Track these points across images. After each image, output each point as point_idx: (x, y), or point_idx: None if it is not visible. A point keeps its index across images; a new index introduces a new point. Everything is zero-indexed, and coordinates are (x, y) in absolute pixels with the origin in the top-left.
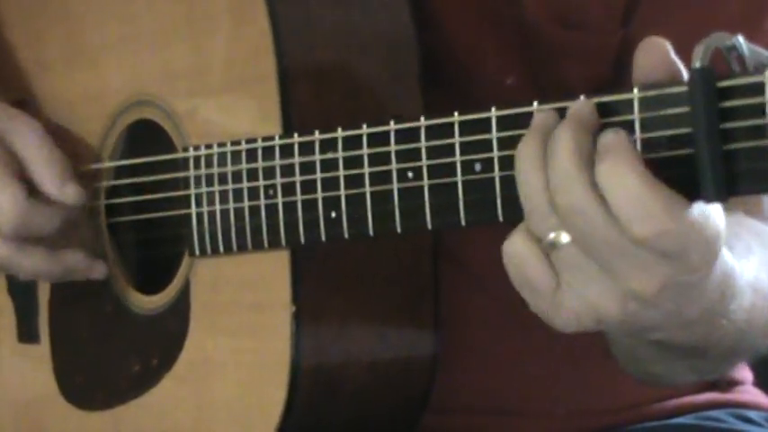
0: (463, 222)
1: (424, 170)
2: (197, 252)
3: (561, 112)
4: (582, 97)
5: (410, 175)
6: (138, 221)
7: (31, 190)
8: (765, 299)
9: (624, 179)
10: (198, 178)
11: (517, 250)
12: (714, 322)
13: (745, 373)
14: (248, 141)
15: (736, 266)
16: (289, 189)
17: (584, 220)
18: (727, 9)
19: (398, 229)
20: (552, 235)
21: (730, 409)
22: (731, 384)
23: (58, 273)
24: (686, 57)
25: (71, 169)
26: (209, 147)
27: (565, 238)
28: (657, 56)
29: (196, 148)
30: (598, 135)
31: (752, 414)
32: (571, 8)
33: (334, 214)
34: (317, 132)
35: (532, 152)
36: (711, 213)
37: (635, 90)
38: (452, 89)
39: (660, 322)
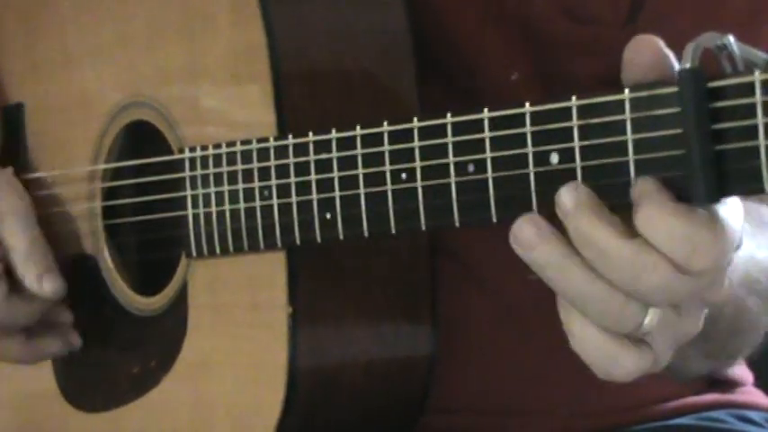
0: (457, 223)
1: (418, 171)
2: (194, 253)
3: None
4: (574, 98)
5: (404, 176)
6: (135, 223)
7: (12, 276)
8: (758, 267)
9: (660, 223)
10: (193, 179)
11: (600, 351)
12: None
13: (745, 373)
14: (243, 143)
15: None
16: (284, 190)
17: (671, 288)
18: (734, 3)
19: (393, 230)
20: (641, 321)
21: (731, 409)
22: (732, 385)
23: (33, 359)
24: None
25: (51, 259)
26: (204, 148)
27: (649, 318)
28: (649, 54)
29: (191, 149)
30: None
31: (752, 415)
32: (578, 2)
33: (328, 215)
34: (311, 133)
35: (560, 255)
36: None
37: (626, 91)
38: (456, 86)
39: None
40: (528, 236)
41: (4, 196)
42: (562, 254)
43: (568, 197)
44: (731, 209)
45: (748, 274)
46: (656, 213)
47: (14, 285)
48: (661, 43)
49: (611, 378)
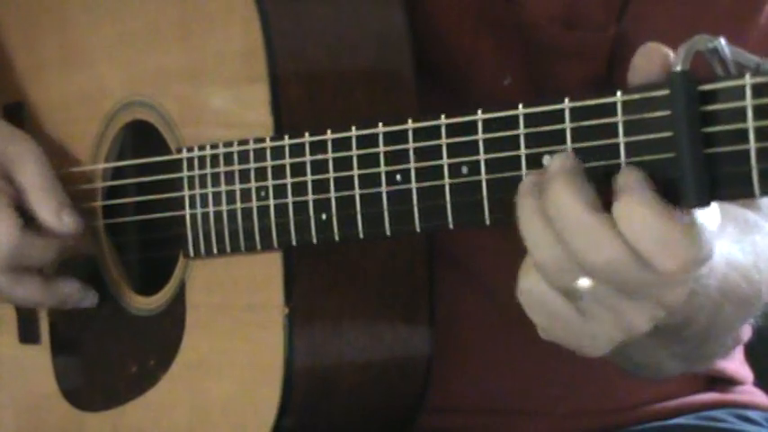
0: (451, 225)
1: (412, 173)
2: (191, 254)
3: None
4: (566, 100)
5: (398, 177)
6: (134, 222)
7: (28, 218)
8: (739, 273)
9: (638, 217)
10: (191, 179)
11: (539, 297)
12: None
13: (745, 373)
14: (240, 143)
15: None
16: (280, 191)
17: (620, 271)
18: (719, 3)
19: (387, 232)
20: (574, 284)
21: (731, 408)
22: (732, 384)
23: (52, 302)
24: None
25: (68, 198)
26: (201, 148)
27: (585, 282)
28: (658, 62)
29: (189, 149)
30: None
31: (752, 414)
32: (571, 8)
33: (324, 216)
34: (307, 134)
35: (531, 208)
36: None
37: (618, 93)
38: (449, 90)
39: None
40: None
41: (16, 140)
42: (529, 208)
43: (555, 161)
44: (708, 219)
45: (727, 279)
46: (634, 204)
47: (30, 223)
48: (669, 52)
49: (547, 336)
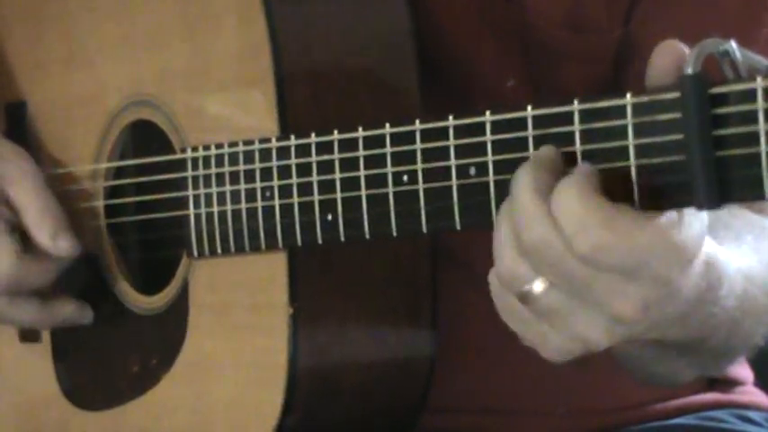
0: (458, 226)
1: (419, 174)
2: (195, 253)
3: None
4: (576, 102)
5: (405, 178)
6: (137, 222)
7: (25, 239)
8: (757, 286)
9: (566, 198)
10: (195, 179)
11: (499, 297)
12: (705, 311)
13: (745, 373)
14: (245, 143)
15: (720, 253)
16: (285, 191)
17: (548, 252)
18: (726, 5)
19: (394, 233)
20: (526, 288)
21: (731, 409)
22: (732, 385)
23: (49, 324)
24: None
25: (65, 220)
26: (206, 148)
27: (539, 286)
28: (673, 59)
29: (194, 149)
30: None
31: (753, 414)
32: (575, 10)
33: (330, 217)
34: (313, 135)
35: (505, 204)
36: (681, 220)
37: (628, 95)
38: (452, 92)
39: (648, 328)
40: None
41: (13, 160)
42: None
43: (540, 149)
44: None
45: (746, 294)
46: (565, 186)
47: (27, 247)
48: (683, 47)
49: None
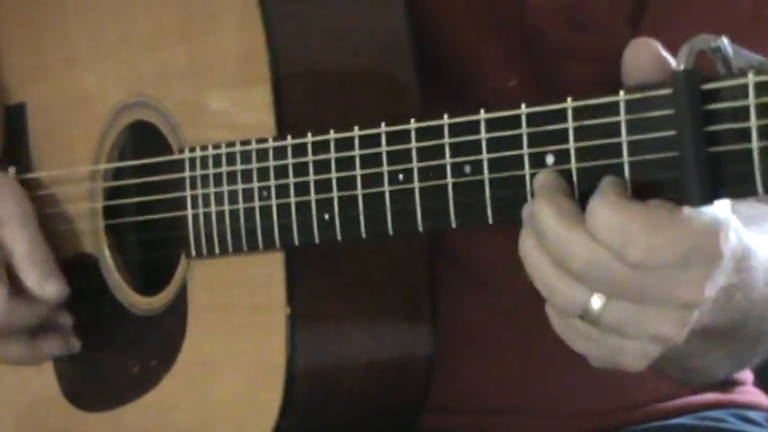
0: (454, 225)
1: (415, 172)
2: (193, 254)
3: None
4: (569, 99)
5: (401, 177)
6: (136, 223)
7: (16, 279)
8: None
9: (603, 214)
10: (193, 180)
11: (563, 328)
12: (739, 285)
13: (745, 373)
14: (242, 143)
15: (753, 241)
16: (283, 191)
17: (601, 271)
18: (736, 7)
19: (390, 232)
20: (587, 307)
21: (731, 409)
22: (732, 385)
23: (37, 360)
24: None
25: (52, 262)
26: (204, 148)
27: (597, 302)
28: (648, 57)
29: (191, 149)
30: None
31: (752, 414)
32: (577, 9)
33: (327, 216)
34: (309, 134)
35: (530, 241)
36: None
37: (621, 93)
38: (455, 92)
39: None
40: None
41: (4, 201)
42: (524, 234)
43: (536, 180)
44: (697, 212)
45: None
46: (596, 204)
47: (16, 289)
48: (659, 47)
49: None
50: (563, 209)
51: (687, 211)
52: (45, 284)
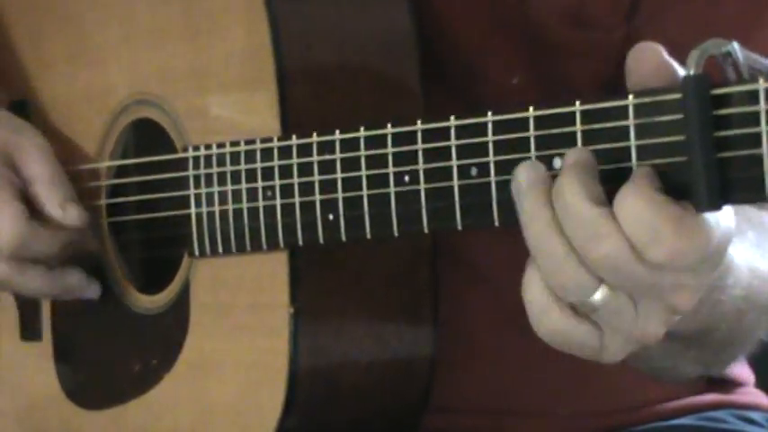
0: (459, 226)
1: (421, 174)
2: (196, 253)
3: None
4: (577, 102)
5: (406, 178)
6: (139, 221)
7: (33, 209)
8: (761, 278)
9: (634, 207)
10: (197, 178)
11: (558, 327)
12: (714, 299)
13: (746, 374)
14: (247, 142)
15: (733, 257)
16: (287, 190)
17: (618, 264)
18: (732, 4)
19: (395, 233)
20: (589, 298)
21: (731, 409)
22: (733, 385)
23: (56, 292)
24: (689, 52)
25: (73, 190)
26: (208, 147)
27: (599, 294)
28: (651, 62)
29: (195, 148)
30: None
31: (753, 415)
32: (578, 7)
33: (331, 216)
34: (314, 134)
35: (543, 215)
36: (720, 217)
37: (630, 97)
38: (457, 89)
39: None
40: (521, 180)
41: (24, 133)
42: (537, 202)
43: (570, 155)
44: (717, 220)
45: (751, 286)
46: (630, 194)
47: (36, 215)
48: (662, 51)
49: (558, 347)
50: (594, 193)
51: (710, 218)
52: (67, 208)
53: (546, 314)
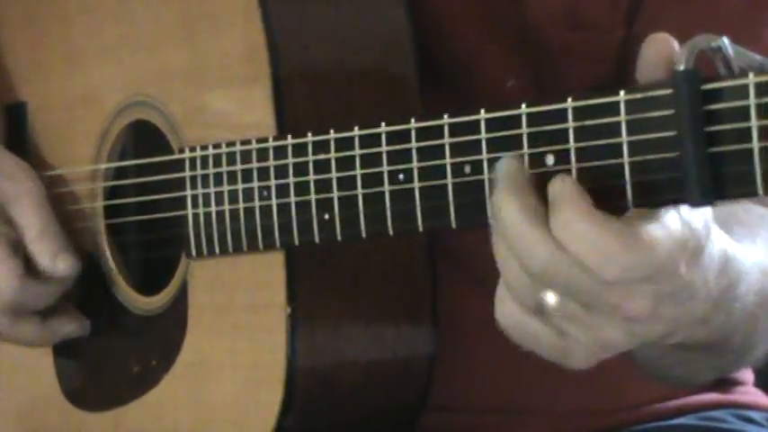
0: (453, 225)
1: (415, 172)
2: (194, 253)
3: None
4: (569, 99)
5: (401, 177)
6: (136, 222)
7: (28, 258)
8: None
9: (578, 228)
10: (193, 179)
11: (514, 321)
12: (727, 308)
13: (746, 374)
14: (242, 143)
15: (738, 250)
16: (283, 190)
17: (559, 277)
18: (731, 5)
19: (390, 231)
20: (540, 299)
21: (732, 409)
22: (732, 385)
23: (50, 342)
24: None
25: (65, 238)
26: (204, 148)
27: (551, 298)
28: (664, 52)
29: (192, 149)
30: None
31: (753, 414)
32: (576, 9)
33: (327, 216)
34: (309, 134)
35: (497, 233)
36: (673, 219)
37: (621, 92)
38: (454, 91)
39: (672, 329)
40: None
41: (17, 179)
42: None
43: (498, 167)
44: (668, 229)
45: (764, 290)
46: (572, 216)
47: (30, 268)
48: (675, 44)
49: (521, 342)
50: (527, 204)
51: (658, 228)
52: (57, 260)
53: (501, 303)
